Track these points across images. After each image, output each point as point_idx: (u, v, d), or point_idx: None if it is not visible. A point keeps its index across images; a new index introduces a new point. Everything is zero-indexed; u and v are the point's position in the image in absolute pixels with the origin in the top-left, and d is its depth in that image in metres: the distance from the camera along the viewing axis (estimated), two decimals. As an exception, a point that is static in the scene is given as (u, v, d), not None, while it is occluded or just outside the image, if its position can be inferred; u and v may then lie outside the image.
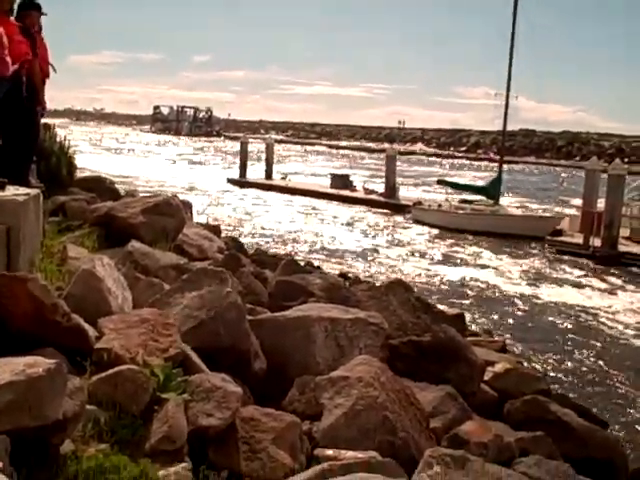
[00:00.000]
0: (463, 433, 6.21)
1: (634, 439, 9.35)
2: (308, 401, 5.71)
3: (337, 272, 16.36)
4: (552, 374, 11.93)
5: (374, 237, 27.93)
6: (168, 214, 10.05)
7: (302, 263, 15.12)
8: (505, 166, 38.36)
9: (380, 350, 6.92)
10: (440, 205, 32.64)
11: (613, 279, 21.42)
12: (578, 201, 30.92)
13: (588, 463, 6.98)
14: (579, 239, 25.51)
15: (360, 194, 39.55)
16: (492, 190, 31.78)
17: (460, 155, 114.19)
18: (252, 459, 4.52)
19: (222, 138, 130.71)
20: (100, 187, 12.46)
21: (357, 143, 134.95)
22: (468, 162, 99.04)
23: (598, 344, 14.40)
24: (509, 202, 37.49)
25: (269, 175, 46.01)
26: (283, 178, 47.19)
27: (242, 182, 45.30)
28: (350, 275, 15.88)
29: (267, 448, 4.59)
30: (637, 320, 16.62)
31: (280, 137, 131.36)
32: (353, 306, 8.07)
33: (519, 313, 16.69)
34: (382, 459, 4.63)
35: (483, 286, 19.56)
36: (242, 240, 17.05)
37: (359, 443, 4.97)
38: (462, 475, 4.66)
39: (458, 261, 23.63)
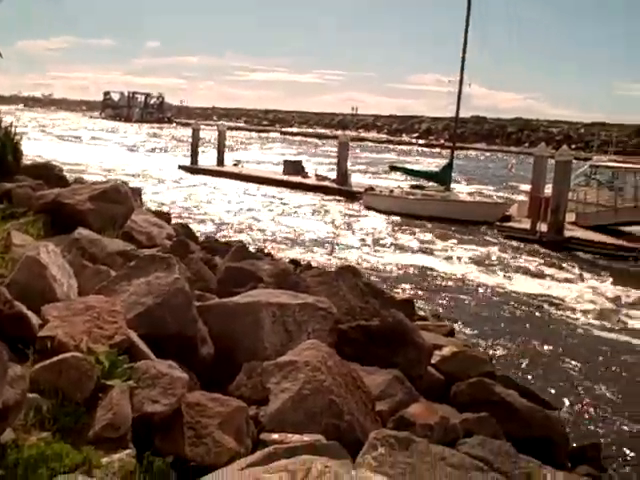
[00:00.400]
0: (409, 415, 6.31)
1: (575, 419, 9.61)
2: (255, 386, 5.74)
3: (288, 259, 16.39)
4: (498, 357, 12.14)
5: (326, 224, 28.00)
6: (116, 201, 9.94)
7: (253, 250, 15.13)
8: (457, 152, 38.77)
9: (328, 335, 6.97)
10: (392, 191, 32.89)
11: (559, 264, 21.86)
12: (527, 187, 31.39)
13: (530, 442, 7.16)
14: (527, 224, 25.96)
15: (312, 181, 39.59)
16: (443, 176, 32.13)
17: (412, 141, 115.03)
18: (197, 444, 4.53)
19: (174, 124, 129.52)
20: (48, 174, 12.22)
21: (311, 130, 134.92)
22: (420, 148, 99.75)
23: (544, 328, 14.71)
24: (460, 188, 37.89)
25: (221, 162, 45.74)
26: (235, 165, 46.95)
27: (193, 169, 44.91)
28: (301, 261, 15.91)
29: (213, 433, 4.61)
30: (582, 304, 17.00)
31: (237, 124, 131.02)
32: (302, 292, 8.10)
33: (468, 298, 16.93)
34: (327, 442, 4.68)
35: (433, 271, 19.78)
36: (193, 227, 16.94)
37: (305, 427, 5.02)
38: (406, 456, 4.74)
39: (409, 247, 23.84)
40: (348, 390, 5.55)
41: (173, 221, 15.81)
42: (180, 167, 46.41)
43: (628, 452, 8.68)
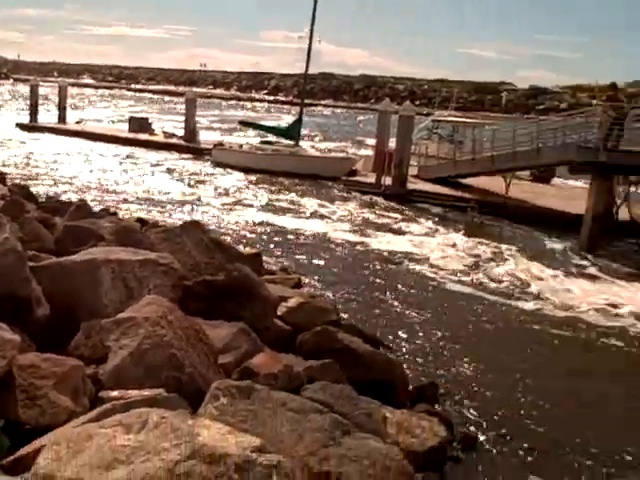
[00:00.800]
0: (253, 366, 6.42)
1: (416, 361, 10.07)
2: (95, 345, 5.63)
3: (135, 217, 16.03)
4: (346, 307, 12.42)
5: (175, 181, 27.48)
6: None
7: (98, 209, 14.69)
8: (306, 109, 38.98)
9: (171, 290, 6.92)
10: (241, 146, 32.72)
11: (406, 216, 22.58)
12: (373, 141, 32.06)
13: (373, 385, 7.46)
14: (372, 178, 26.63)
15: (160, 138, 38.67)
16: (292, 131, 32.19)
17: (262, 98, 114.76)
18: (31, 406, 4.40)
19: (11, 81, 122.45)
20: None
21: (159, 87, 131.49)
22: (269, 105, 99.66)
23: (395, 280, 15.08)
24: (309, 144, 38.24)
25: (63, 119, 43.73)
26: (78, 122, 45.08)
27: (33, 127, 42.60)
28: (149, 220, 15.61)
29: (47, 394, 4.48)
30: (423, 253, 17.67)
31: (80, 80, 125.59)
32: (146, 249, 7.97)
33: (318, 251, 17.16)
34: (167, 395, 4.67)
35: (283, 225, 19.93)
36: (35, 188, 16.20)
37: (145, 381, 4.98)
38: (248, 404, 4.82)
39: (260, 203, 23.85)
40: (190, 344, 5.55)
41: (9, 182, 15.08)
42: (18, 125, 43.92)
43: (462, 389, 9.22)
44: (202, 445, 3.30)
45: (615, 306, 13.92)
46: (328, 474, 4.37)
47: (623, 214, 21.32)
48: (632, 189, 21.60)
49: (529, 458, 7.73)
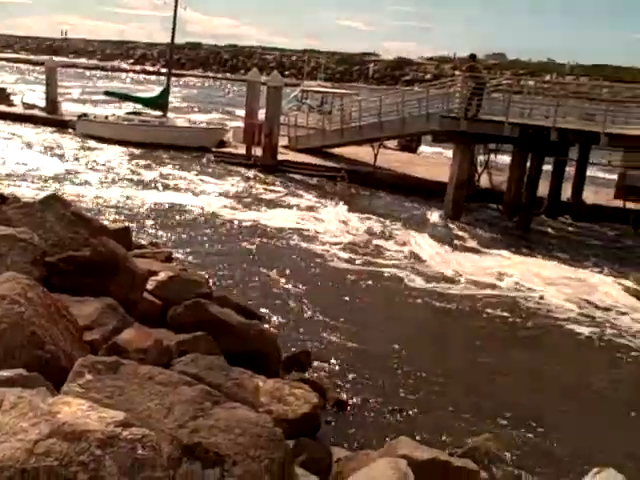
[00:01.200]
0: (122, 341, 6.29)
1: (289, 332, 10.20)
2: (-52, 326, 5.33)
3: (-7, 193, 15.22)
4: (219, 279, 12.37)
5: (37, 154, 26.27)
6: None
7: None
8: (174, 79, 38.14)
9: (32, 266, 6.64)
10: (107, 117, 31.67)
11: (278, 187, 22.64)
12: (243, 112, 31.79)
13: (246, 355, 7.51)
14: (242, 149, 26.48)
15: (19, 110, 36.84)
16: (160, 102, 31.41)
17: (128, 68, 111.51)
18: None
19: None
20: None
21: (17, 55, 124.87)
22: (139, 75, 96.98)
23: (267, 251, 15.14)
24: (178, 114, 37.46)
25: None
26: None
27: None
28: (8, 195, 14.85)
29: None
30: (303, 226, 17.74)
31: None
32: (4, 225, 7.61)
33: (190, 224, 16.92)
34: (27, 374, 4.50)
35: (154, 200, 19.47)
36: None
37: (4, 361, 4.78)
38: (114, 379, 4.72)
39: (128, 175, 23.22)
40: (52, 321, 5.37)
41: None
42: None
43: (335, 357, 9.46)
44: (62, 423, 3.21)
45: (496, 276, 14.41)
46: (198, 445, 4.35)
47: (484, 181, 22.27)
48: (492, 157, 22.55)
49: (399, 419, 8.04)
